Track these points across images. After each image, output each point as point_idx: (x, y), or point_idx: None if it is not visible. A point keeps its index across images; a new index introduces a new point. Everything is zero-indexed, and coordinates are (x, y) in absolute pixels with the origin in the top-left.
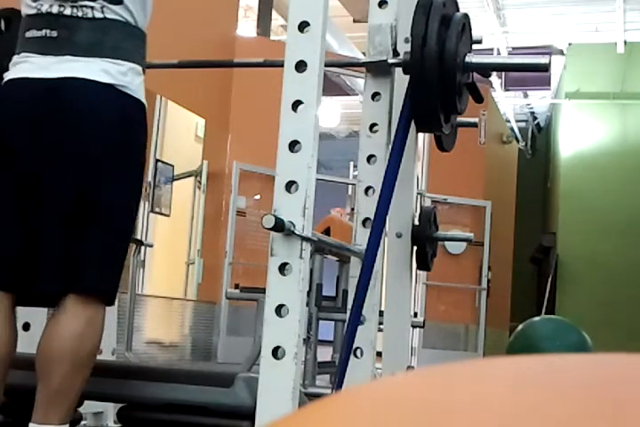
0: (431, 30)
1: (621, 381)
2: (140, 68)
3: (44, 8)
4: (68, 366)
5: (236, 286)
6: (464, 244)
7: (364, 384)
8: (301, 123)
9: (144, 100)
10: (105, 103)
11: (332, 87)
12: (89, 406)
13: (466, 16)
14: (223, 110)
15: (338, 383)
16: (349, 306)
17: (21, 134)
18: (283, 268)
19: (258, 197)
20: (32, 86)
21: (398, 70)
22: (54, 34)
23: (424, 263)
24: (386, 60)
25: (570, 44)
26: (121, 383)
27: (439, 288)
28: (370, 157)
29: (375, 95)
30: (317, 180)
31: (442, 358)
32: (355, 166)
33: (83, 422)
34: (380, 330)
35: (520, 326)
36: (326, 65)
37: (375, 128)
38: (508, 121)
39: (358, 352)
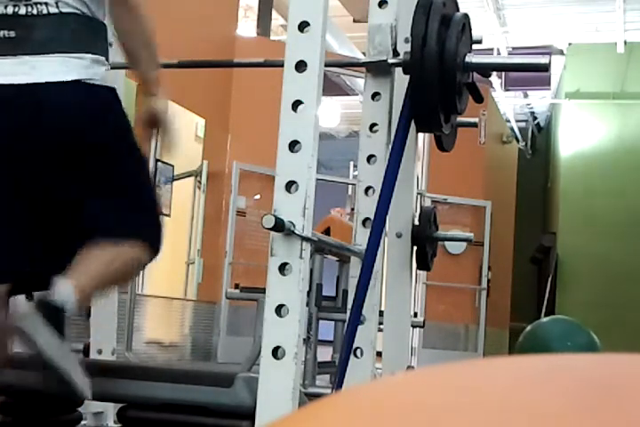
0: (431, 30)
1: (622, 380)
2: (102, 59)
3: (0, 10)
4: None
5: (236, 286)
6: (464, 244)
7: (364, 384)
8: (301, 123)
9: (113, 85)
10: (77, 101)
11: (332, 87)
12: (89, 406)
13: (466, 16)
14: (223, 110)
15: (338, 383)
16: (349, 306)
17: (5, 144)
18: (283, 268)
19: (258, 197)
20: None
21: (398, 70)
22: (12, 34)
23: (424, 263)
24: (386, 60)
25: (570, 44)
26: (121, 383)
27: (439, 288)
28: (370, 157)
29: (375, 95)
30: (317, 180)
31: (442, 358)
32: (355, 166)
33: (83, 422)
34: (380, 330)
35: (529, 327)
36: (326, 65)
37: (375, 128)
38: (508, 121)
39: (358, 352)
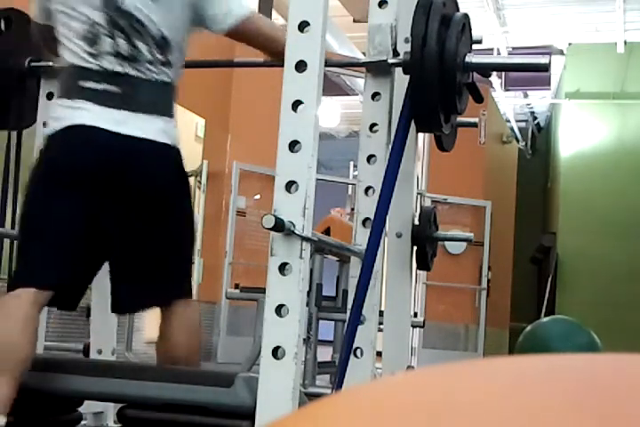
0: (431, 30)
1: (621, 381)
2: (176, 123)
3: (107, 66)
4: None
5: (236, 286)
6: (464, 244)
7: (364, 384)
8: (301, 123)
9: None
10: (165, 160)
11: (331, 87)
12: (89, 406)
13: (466, 16)
14: (223, 110)
15: (338, 383)
16: (349, 306)
17: (100, 181)
18: (283, 268)
19: (258, 197)
20: (103, 139)
21: (398, 70)
22: (117, 90)
23: (424, 263)
24: (386, 60)
25: (570, 44)
26: (121, 383)
27: (439, 288)
28: (370, 157)
29: (375, 95)
30: (317, 180)
31: (442, 358)
32: (355, 166)
33: (83, 422)
34: (380, 330)
35: (529, 327)
36: (326, 65)
37: (375, 128)
38: (508, 121)
39: (358, 352)
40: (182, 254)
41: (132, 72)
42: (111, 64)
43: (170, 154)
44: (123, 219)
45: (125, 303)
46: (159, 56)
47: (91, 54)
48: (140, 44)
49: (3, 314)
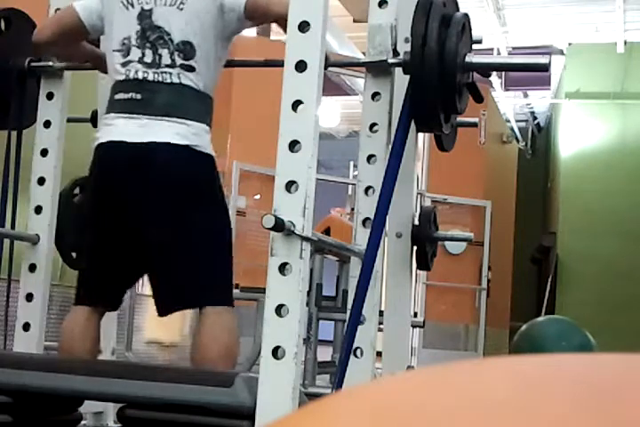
0: (431, 30)
1: (620, 381)
2: (208, 128)
3: (132, 74)
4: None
5: (236, 286)
6: (464, 244)
7: (364, 384)
8: (301, 123)
9: (212, 153)
10: (181, 162)
11: (331, 87)
12: (89, 406)
13: (466, 16)
14: (223, 110)
15: (338, 383)
16: (349, 306)
17: (117, 193)
18: (283, 268)
19: (258, 197)
20: (121, 150)
21: (398, 70)
22: (139, 96)
23: (424, 263)
24: (386, 60)
25: (570, 44)
26: (121, 383)
27: (439, 288)
28: (370, 157)
29: (375, 95)
30: (317, 180)
31: (442, 358)
32: (355, 166)
33: (83, 422)
34: (380, 330)
35: (524, 327)
36: (326, 65)
37: (375, 128)
38: (508, 121)
39: (358, 352)
40: (194, 259)
41: (151, 77)
42: (136, 72)
43: (184, 155)
44: (148, 221)
45: (157, 304)
46: (181, 61)
47: (122, 65)
48: (164, 51)
49: None
